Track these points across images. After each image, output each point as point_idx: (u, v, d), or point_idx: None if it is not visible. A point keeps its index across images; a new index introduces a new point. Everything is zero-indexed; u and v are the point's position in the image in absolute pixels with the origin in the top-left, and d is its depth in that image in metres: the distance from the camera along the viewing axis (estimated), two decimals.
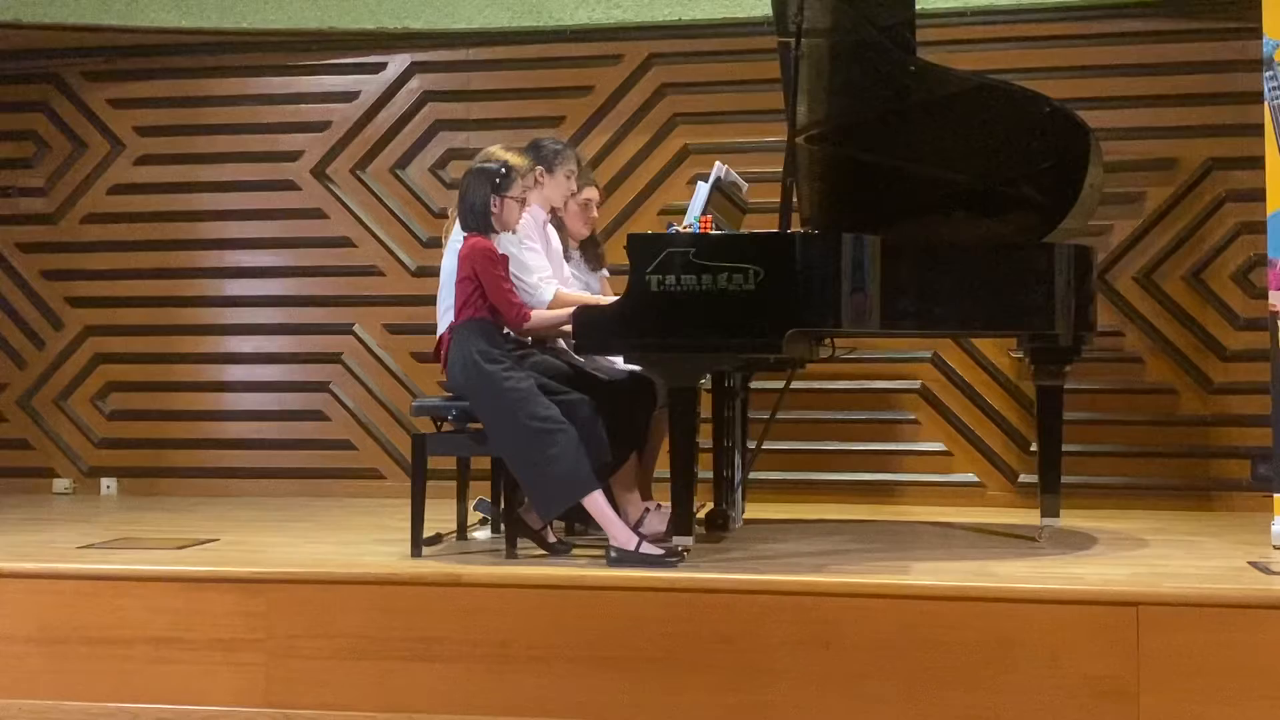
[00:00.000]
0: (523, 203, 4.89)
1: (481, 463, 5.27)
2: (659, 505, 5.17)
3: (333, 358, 7.35)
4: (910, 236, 5.04)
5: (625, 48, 7.09)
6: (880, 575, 4.43)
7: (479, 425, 4.88)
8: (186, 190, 7.48)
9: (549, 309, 4.97)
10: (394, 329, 7.27)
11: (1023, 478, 6.64)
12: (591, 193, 5.59)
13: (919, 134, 5.24)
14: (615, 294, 5.11)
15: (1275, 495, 5.11)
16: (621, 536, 4.65)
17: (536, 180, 5.18)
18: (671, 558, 4.59)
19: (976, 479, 6.74)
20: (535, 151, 5.23)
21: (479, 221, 4.82)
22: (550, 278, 5.10)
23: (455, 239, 4.98)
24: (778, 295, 4.61)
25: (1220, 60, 6.50)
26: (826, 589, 4.30)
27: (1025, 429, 6.61)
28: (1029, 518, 5.72)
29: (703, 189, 5.11)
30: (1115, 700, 4.07)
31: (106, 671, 4.56)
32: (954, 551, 5.14)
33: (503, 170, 4.83)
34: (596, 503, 4.69)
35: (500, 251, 4.85)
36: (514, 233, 4.97)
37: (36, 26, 7.25)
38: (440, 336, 5.05)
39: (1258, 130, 5.35)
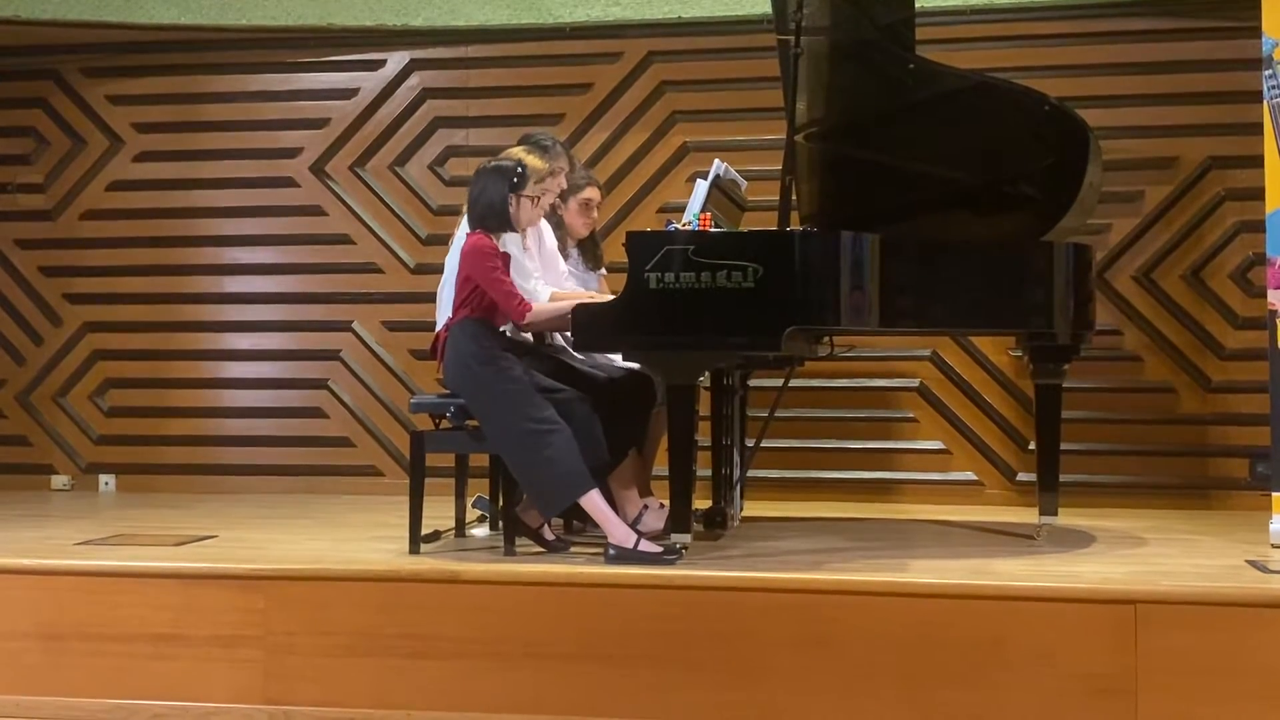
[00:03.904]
0: (535, 201, 4.89)
1: (480, 460, 5.28)
2: (661, 504, 5.16)
3: (331, 355, 7.35)
4: (909, 235, 5.04)
5: (624, 45, 7.09)
6: (878, 573, 4.43)
7: (477, 422, 4.88)
8: (185, 187, 7.48)
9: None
10: (393, 326, 7.27)
11: (1021, 476, 6.64)
12: (592, 192, 5.57)
13: (918, 132, 5.24)
14: (613, 292, 5.11)
15: (1274, 494, 5.11)
16: (619, 534, 4.65)
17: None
18: (669, 555, 4.59)
19: (975, 477, 6.74)
20: (534, 149, 5.21)
21: (499, 220, 4.80)
22: (540, 281, 5.09)
23: (460, 236, 4.98)
24: (777, 293, 4.61)
25: (1219, 59, 6.49)
26: (824, 587, 4.30)
27: (1024, 427, 6.61)
28: (1027, 516, 5.72)
29: (702, 186, 5.11)
30: (1113, 698, 4.08)
31: (104, 668, 4.56)
32: (952, 550, 5.14)
33: (519, 169, 4.82)
34: (594, 501, 4.69)
35: (502, 250, 4.84)
36: (521, 233, 4.97)
37: (35, 22, 7.25)
38: (437, 334, 5.05)
39: (1257, 129, 5.35)
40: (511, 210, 4.81)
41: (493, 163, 4.91)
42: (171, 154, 7.49)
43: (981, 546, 5.21)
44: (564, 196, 5.42)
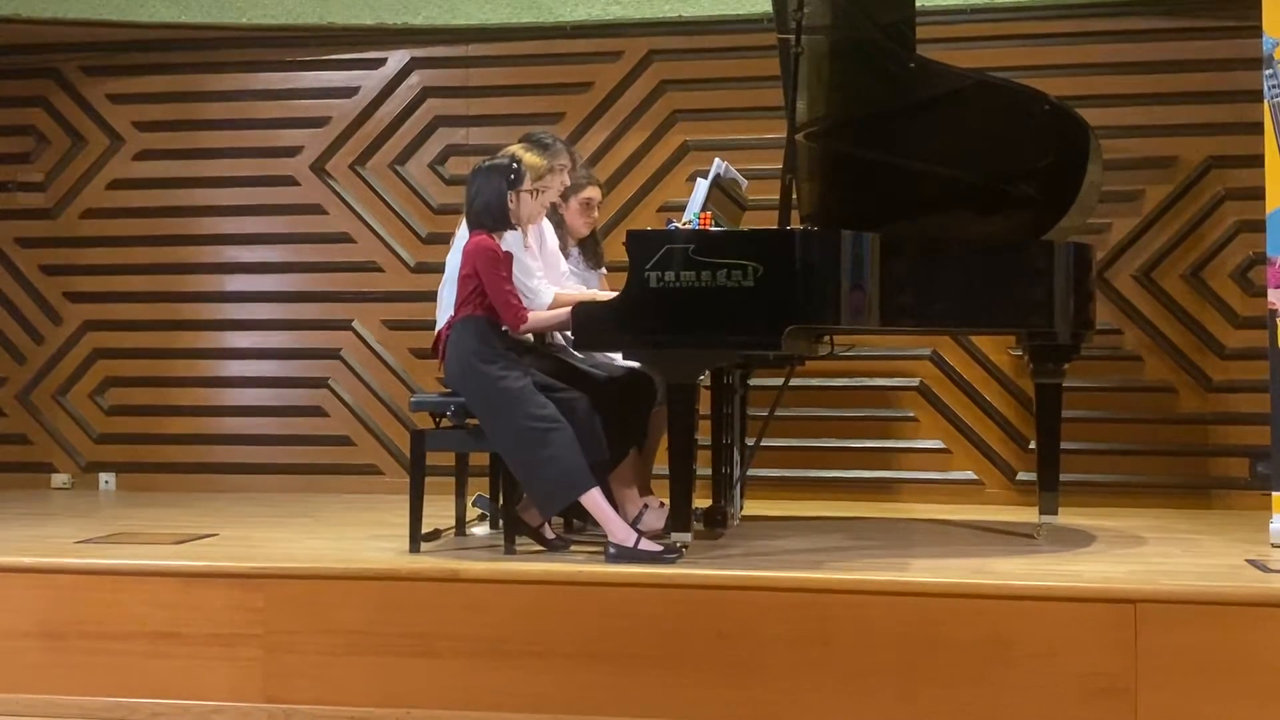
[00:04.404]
0: (534, 195, 4.89)
1: (480, 459, 5.28)
2: (661, 503, 5.16)
3: (331, 354, 7.35)
4: (910, 234, 5.04)
5: (625, 44, 7.08)
6: (878, 572, 4.43)
7: (477, 421, 4.88)
8: (185, 185, 7.48)
9: (548, 310, 4.97)
10: (393, 325, 7.27)
11: (1021, 475, 6.64)
12: (593, 192, 5.57)
13: (918, 131, 5.24)
14: (614, 291, 5.11)
15: (1274, 493, 5.11)
16: (620, 533, 4.65)
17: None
18: (670, 554, 4.59)
19: (975, 476, 6.74)
20: (532, 147, 5.21)
21: (496, 219, 4.80)
22: (543, 279, 5.09)
23: (462, 235, 4.98)
24: (777, 292, 4.61)
25: (1220, 58, 6.49)
26: (824, 586, 4.30)
27: (1024, 427, 6.61)
28: (1027, 515, 5.72)
29: (702, 185, 5.11)
30: (1113, 697, 4.08)
31: (104, 666, 4.56)
32: (952, 549, 5.14)
33: (515, 165, 4.82)
34: (594, 500, 4.69)
35: (505, 250, 4.84)
36: (522, 231, 4.96)
37: (35, 21, 7.24)
38: (438, 332, 5.05)
39: (1257, 128, 5.35)
40: (511, 207, 4.80)
41: (488, 162, 4.91)
42: (172, 152, 7.49)
43: (981, 546, 5.21)
44: (564, 195, 5.43)
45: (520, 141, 5.20)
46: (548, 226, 5.35)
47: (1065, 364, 5.34)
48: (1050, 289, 5.07)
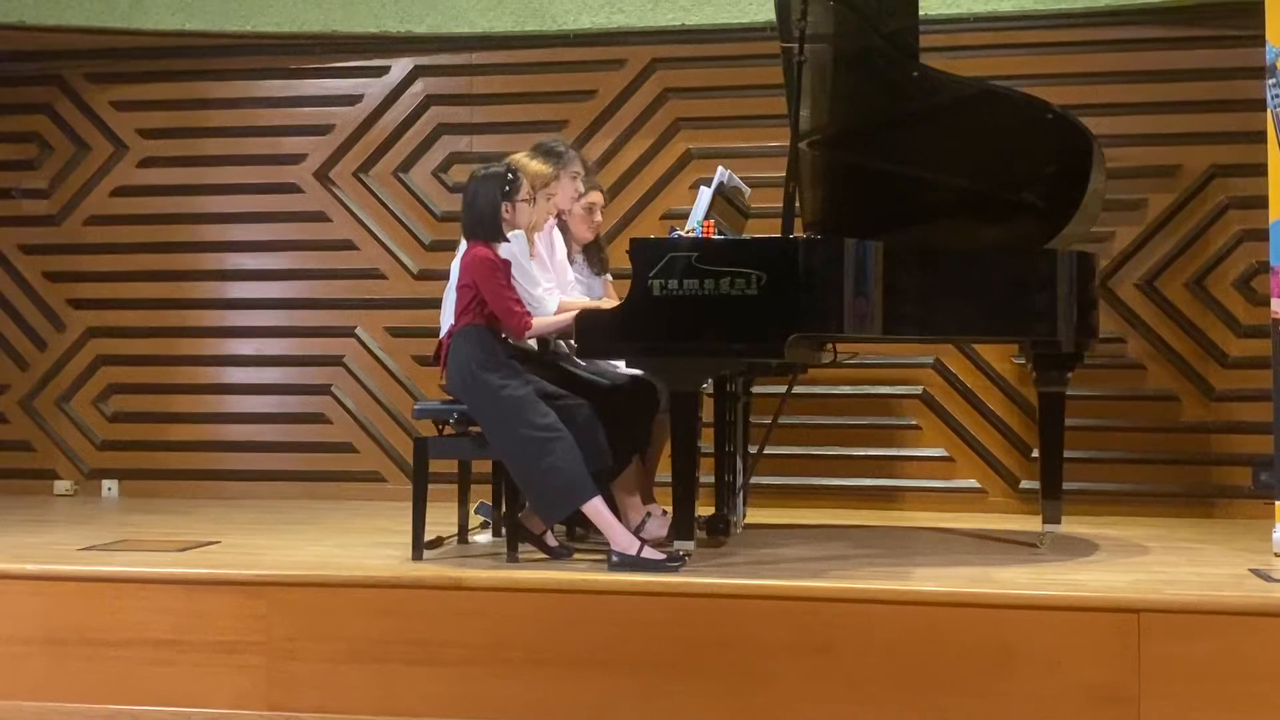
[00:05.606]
0: (531, 202, 4.89)
1: (483, 466, 5.28)
2: (664, 511, 5.16)
3: (334, 360, 7.35)
4: (913, 242, 5.04)
5: (628, 52, 7.09)
6: (881, 581, 4.43)
7: (480, 429, 4.88)
8: (189, 192, 7.48)
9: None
10: (396, 332, 7.27)
11: (1024, 484, 6.63)
12: (596, 197, 5.57)
13: (922, 140, 5.24)
14: (619, 297, 5.12)
15: (1277, 502, 5.11)
16: (623, 541, 4.65)
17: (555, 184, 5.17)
18: (672, 562, 4.60)
19: (978, 485, 6.73)
20: (538, 154, 5.22)
21: (488, 229, 4.80)
22: (553, 289, 5.10)
23: (464, 243, 4.98)
24: (780, 300, 4.61)
25: (1223, 67, 6.49)
26: (827, 594, 4.30)
27: (1027, 435, 6.61)
28: (1030, 524, 5.72)
29: (705, 194, 5.12)
30: (1116, 707, 4.08)
31: (107, 673, 4.56)
32: (955, 557, 5.14)
33: (510, 175, 4.82)
34: (597, 508, 4.69)
35: (504, 257, 4.84)
36: (529, 239, 4.96)
37: (40, 28, 7.26)
38: (440, 340, 5.06)
39: (1260, 137, 5.36)
40: (506, 217, 4.81)
41: (484, 170, 4.90)
42: (175, 159, 7.50)
43: (984, 554, 5.21)
44: None
45: (530, 149, 5.21)
46: (558, 236, 5.35)
47: (1068, 372, 5.35)
48: (1054, 297, 5.07)
